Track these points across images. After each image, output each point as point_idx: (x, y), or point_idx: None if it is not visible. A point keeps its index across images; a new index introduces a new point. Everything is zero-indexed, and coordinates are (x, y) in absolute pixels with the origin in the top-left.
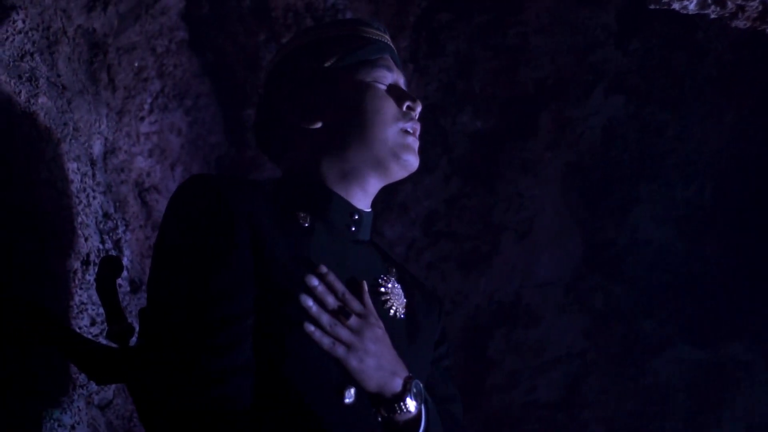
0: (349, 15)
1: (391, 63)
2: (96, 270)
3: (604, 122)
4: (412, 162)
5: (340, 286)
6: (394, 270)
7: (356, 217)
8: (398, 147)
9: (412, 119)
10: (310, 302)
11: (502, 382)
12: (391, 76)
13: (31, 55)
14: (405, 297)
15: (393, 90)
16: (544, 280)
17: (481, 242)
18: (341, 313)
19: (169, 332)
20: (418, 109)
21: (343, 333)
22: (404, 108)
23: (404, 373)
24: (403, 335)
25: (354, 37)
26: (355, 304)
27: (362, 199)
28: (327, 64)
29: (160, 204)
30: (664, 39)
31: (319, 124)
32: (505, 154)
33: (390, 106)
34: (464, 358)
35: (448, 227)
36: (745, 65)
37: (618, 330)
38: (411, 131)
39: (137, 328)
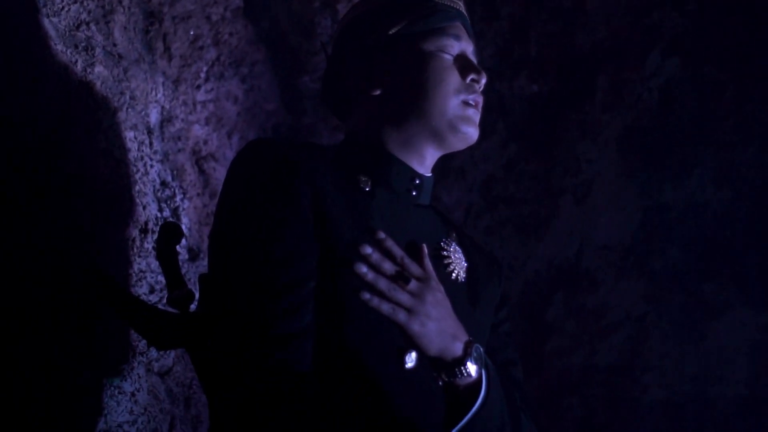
0: None
1: (461, 31)
2: (155, 237)
3: (661, 84)
4: (472, 134)
5: (398, 251)
6: (454, 234)
7: (417, 181)
8: (457, 119)
9: (474, 92)
10: (364, 269)
11: (561, 347)
12: (459, 46)
13: (87, 24)
14: (466, 261)
15: (458, 60)
16: (602, 243)
17: (540, 206)
18: (400, 278)
19: (231, 296)
20: (483, 81)
21: (404, 297)
22: (468, 80)
23: (465, 337)
24: (465, 299)
25: (423, 3)
26: (414, 268)
27: (422, 164)
28: (392, 31)
29: (218, 172)
30: None
31: (379, 91)
32: (562, 118)
33: (453, 77)
34: (523, 324)
35: (505, 192)
36: None
37: (678, 293)
38: (473, 103)
39: (197, 295)
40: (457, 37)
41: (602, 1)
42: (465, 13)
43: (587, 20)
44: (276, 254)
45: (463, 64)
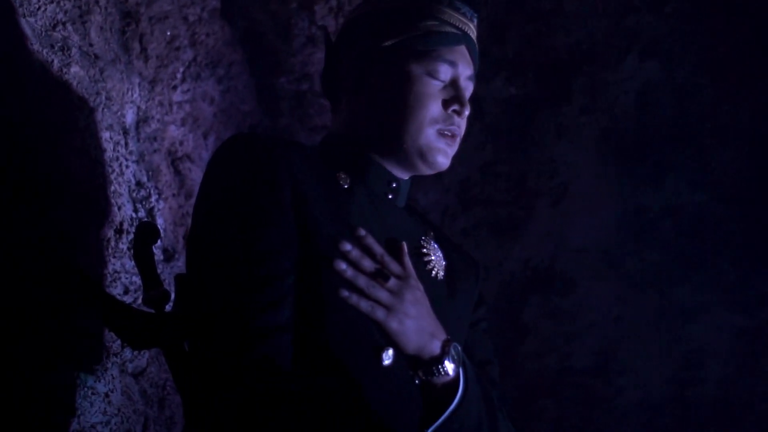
0: None
1: (460, 56)
2: (130, 238)
3: (638, 87)
4: (440, 164)
5: (378, 249)
6: (432, 233)
7: (394, 185)
8: (428, 148)
9: (453, 123)
10: (343, 266)
11: (536, 349)
12: (452, 72)
13: (63, 24)
14: (445, 259)
15: (447, 87)
16: (578, 246)
17: (516, 208)
18: (380, 276)
19: (210, 291)
20: (466, 113)
21: (382, 295)
22: (449, 110)
23: (443, 335)
24: (444, 296)
25: (423, 23)
26: (394, 266)
27: (400, 169)
28: (386, 44)
29: (193, 173)
30: (698, 2)
31: (365, 98)
32: (539, 120)
33: (433, 106)
34: (499, 324)
35: (482, 193)
36: None
37: (653, 296)
38: (448, 134)
39: (173, 295)
40: (452, 63)
41: (580, 4)
42: (472, 34)
43: (565, 23)
44: (255, 248)
45: (449, 93)
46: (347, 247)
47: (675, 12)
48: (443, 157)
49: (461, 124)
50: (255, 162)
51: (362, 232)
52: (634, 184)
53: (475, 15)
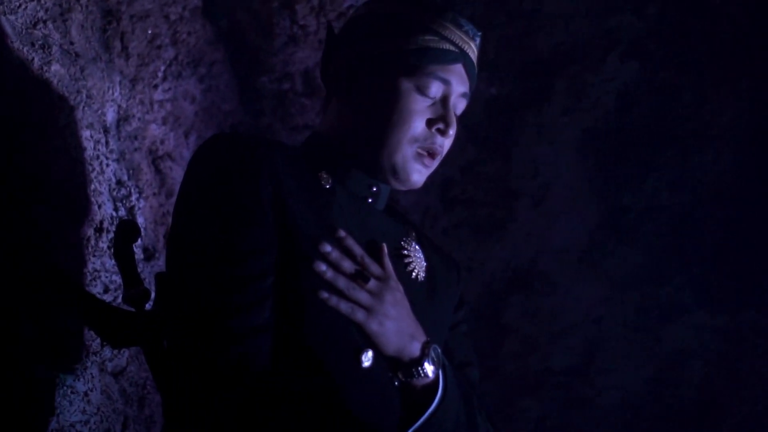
0: None
1: (455, 74)
2: (110, 236)
3: (619, 88)
4: (414, 182)
5: (358, 250)
6: (413, 234)
7: (374, 189)
8: (404, 165)
9: (434, 143)
10: (323, 267)
11: (517, 349)
12: (444, 89)
13: (44, 22)
14: (425, 260)
15: (435, 104)
16: (559, 246)
17: (497, 209)
18: (360, 277)
19: (189, 290)
20: (450, 133)
21: (362, 296)
22: (433, 129)
23: (423, 337)
24: (424, 298)
25: (424, 34)
26: (374, 268)
27: (375, 179)
28: (380, 51)
29: (174, 172)
30: (680, 3)
31: (353, 101)
32: (520, 121)
33: (416, 124)
34: (480, 325)
35: (463, 194)
36: (761, 29)
37: (634, 296)
38: (427, 153)
39: (153, 294)
40: (445, 81)
41: (561, 5)
42: (472, 54)
43: (546, 23)
44: (234, 249)
45: (437, 111)
46: (327, 248)
47: (656, 13)
48: (418, 175)
49: (444, 143)
50: (236, 161)
51: (342, 233)
52: (615, 184)
53: (478, 34)
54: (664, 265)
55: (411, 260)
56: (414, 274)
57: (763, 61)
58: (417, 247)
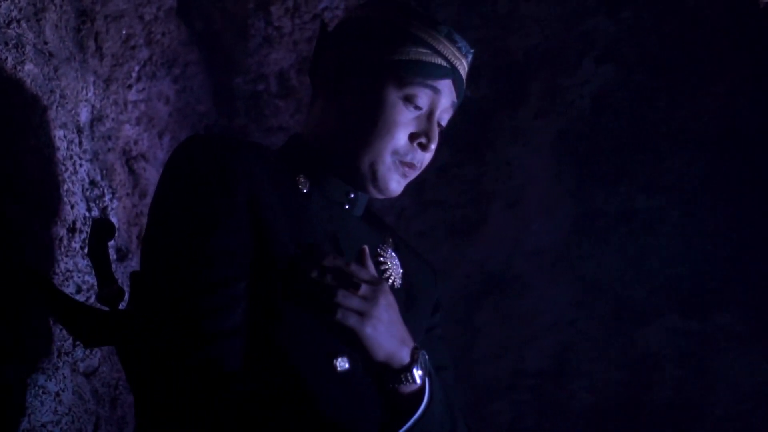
0: None
1: (441, 89)
2: (83, 237)
3: (594, 91)
4: (392, 191)
5: (341, 260)
6: (390, 239)
7: (352, 195)
8: (383, 174)
9: (414, 158)
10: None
11: (491, 351)
12: (430, 103)
13: (18, 21)
14: (401, 267)
15: (420, 117)
16: (533, 248)
17: (471, 211)
18: (350, 285)
19: (162, 291)
20: (432, 147)
21: (355, 302)
22: (414, 143)
23: (411, 343)
24: (401, 305)
25: (418, 45)
26: (363, 273)
27: (353, 186)
28: (371, 58)
29: (148, 172)
30: (655, 6)
31: (338, 105)
32: (494, 123)
33: (399, 135)
34: (453, 327)
35: (437, 196)
36: (736, 33)
37: (608, 299)
38: (407, 165)
39: (127, 293)
40: (433, 96)
41: (536, 8)
42: (463, 70)
43: (521, 26)
44: (208, 251)
45: (421, 124)
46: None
47: (631, 17)
48: (396, 184)
49: (424, 158)
50: (211, 164)
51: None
52: (589, 187)
53: (471, 51)
54: (638, 268)
55: (387, 267)
56: (390, 280)
57: (737, 65)
58: (393, 254)
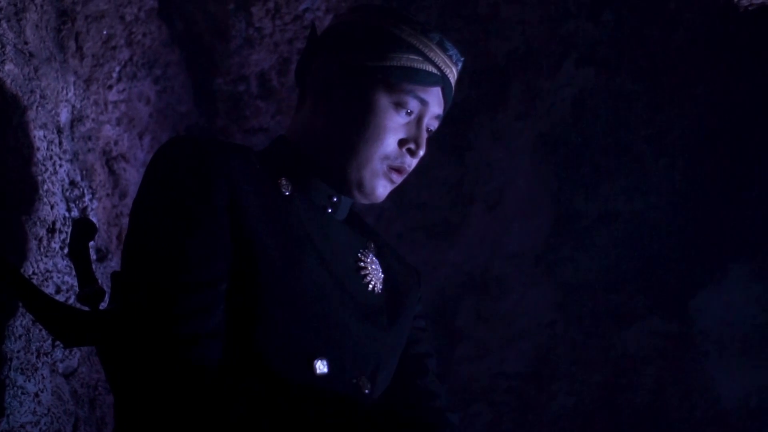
0: None
1: (434, 96)
2: (63, 237)
3: (575, 94)
4: (378, 196)
5: None
6: (372, 245)
7: (335, 199)
8: (371, 179)
9: (403, 162)
10: None
11: (470, 353)
12: (420, 109)
13: None
14: (383, 272)
15: (410, 124)
16: (513, 251)
17: (451, 213)
18: None
19: (141, 293)
20: (420, 154)
21: None
22: (404, 149)
23: None
24: (382, 310)
25: (410, 52)
26: None
27: (337, 191)
28: (363, 63)
29: (128, 173)
30: (635, 10)
31: (326, 109)
32: (475, 125)
33: (389, 141)
34: (433, 329)
35: (418, 198)
36: (717, 37)
37: (587, 302)
38: (395, 169)
39: (107, 293)
40: (423, 102)
41: (517, 10)
42: (452, 78)
43: (502, 28)
44: (188, 252)
45: (410, 131)
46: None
47: (612, 20)
48: (383, 189)
49: (412, 163)
50: (192, 165)
51: None
52: (569, 190)
53: (461, 60)
54: (617, 270)
55: (368, 272)
56: (371, 286)
57: (718, 69)
58: (375, 259)
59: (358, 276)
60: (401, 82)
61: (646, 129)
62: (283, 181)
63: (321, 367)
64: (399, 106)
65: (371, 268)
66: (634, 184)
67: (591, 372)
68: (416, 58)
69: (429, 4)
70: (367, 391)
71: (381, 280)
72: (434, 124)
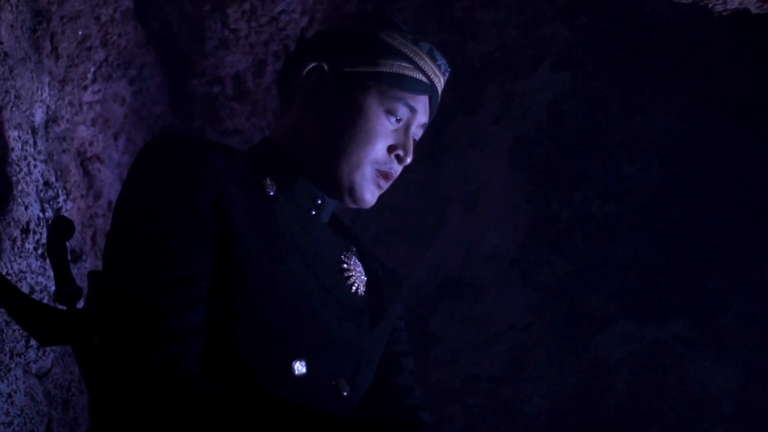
0: None
1: (422, 105)
2: (37, 238)
3: (550, 97)
4: (367, 201)
5: None
6: (354, 248)
7: (319, 201)
8: (361, 184)
9: (390, 168)
10: None
11: (445, 356)
12: (408, 117)
13: None
14: (365, 274)
15: (398, 131)
16: (489, 254)
17: (427, 215)
18: None
19: (122, 289)
20: (407, 161)
21: None
22: (392, 155)
23: None
24: (365, 311)
25: (401, 60)
26: None
27: (325, 194)
28: (354, 69)
29: (103, 173)
30: (610, 14)
31: (314, 113)
32: (451, 128)
33: (379, 146)
34: (408, 331)
35: (393, 200)
36: (691, 41)
37: (562, 305)
38: (383, 174)
39: (84, 293)
40: (412, 110)
41: (493, 14)
42: (440, 88)
43: (477, 31)
44: (170, 250)
45: (399, 137)
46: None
47: (587, 24)
48: (371, 195)
49: (399, 169)
50: (176, 163)
51: None
52: (545, 193)
53: (449, 70)
54: (592, 274)
55: (351, 274)
56: (354, 288)
57: (692, 73)
58: (357, 261)
59: (342, 278)
60: (392, 88)
61: (620, 133)
62: (268, 182)
63: (300, 367)
64: (389, 113)
65: (354, 270)
66: (609, 188)
67: (566, 374)
68: (407, 65)
69: (405, 6)
70: (345, 393)
71: (364, 282)
72: (419, 133)
